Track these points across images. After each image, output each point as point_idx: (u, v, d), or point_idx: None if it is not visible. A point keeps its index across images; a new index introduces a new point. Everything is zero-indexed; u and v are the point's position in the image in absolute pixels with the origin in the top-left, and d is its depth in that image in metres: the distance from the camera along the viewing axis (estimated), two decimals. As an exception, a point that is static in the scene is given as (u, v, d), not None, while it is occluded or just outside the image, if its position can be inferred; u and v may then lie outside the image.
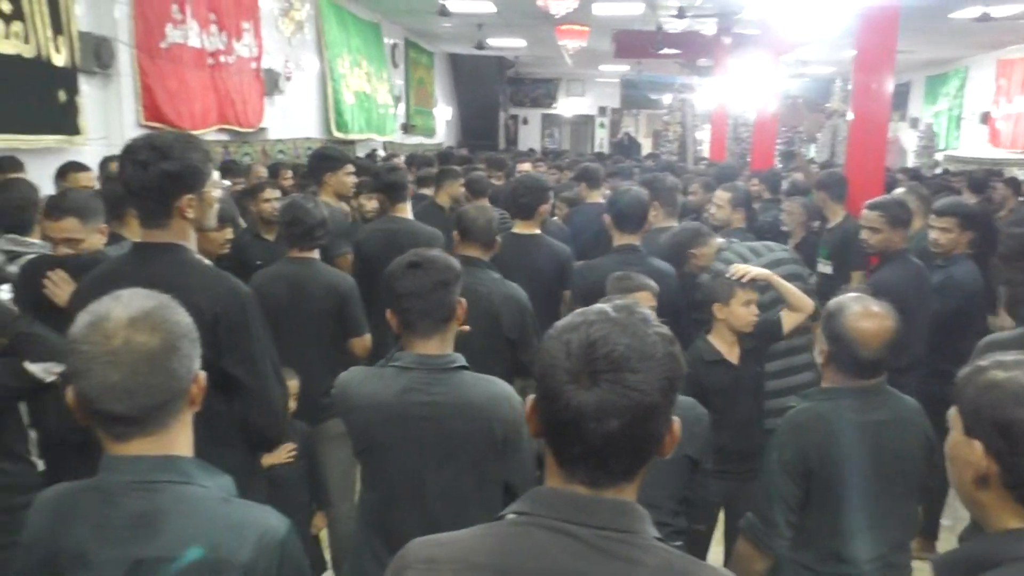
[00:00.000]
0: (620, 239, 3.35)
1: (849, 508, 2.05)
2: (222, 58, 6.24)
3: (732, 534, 2.73)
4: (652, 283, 2.64)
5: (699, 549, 2.70)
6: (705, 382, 2.70)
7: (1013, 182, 7.23)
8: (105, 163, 4.37)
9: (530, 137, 19.39)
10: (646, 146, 18.06)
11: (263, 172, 5.70)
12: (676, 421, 1.03)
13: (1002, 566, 1.13)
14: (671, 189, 3.86)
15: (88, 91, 4.70)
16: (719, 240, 3.44)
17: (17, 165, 3.94)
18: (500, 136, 17.21)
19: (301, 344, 3.10)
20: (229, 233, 3.49)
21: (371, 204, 4.87)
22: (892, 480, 2.06)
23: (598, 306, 1.06)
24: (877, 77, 5.03)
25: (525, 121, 19.71)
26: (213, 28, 6.13)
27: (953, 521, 3.68)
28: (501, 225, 3.40)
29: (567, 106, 19.86)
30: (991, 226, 5.64)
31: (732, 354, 2.80)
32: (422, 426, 1.84)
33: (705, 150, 13.43)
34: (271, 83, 7.24)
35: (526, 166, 6.75)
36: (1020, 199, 6.64)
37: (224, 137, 6.44)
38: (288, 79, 7.80)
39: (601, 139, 19.62)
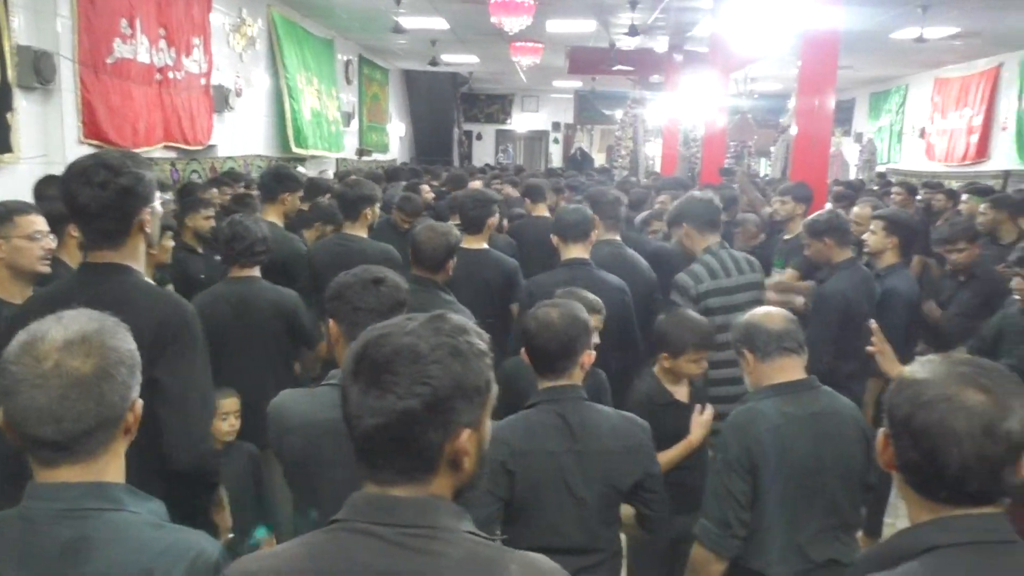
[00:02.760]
0: (568, 253, 3.37)
1: (794, 496, 2.09)
2: (171, 74, 6.15)
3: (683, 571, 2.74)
4: (595, 299, 2.68)
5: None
6: (657, 425, 2.62)
7: (951, 192, 7.51)
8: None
9: (484, 153, 19.43)
10: (599, 161, 18.24)
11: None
12: (467, 433, 1.06)
13: (912, 560, 1.18)
14: (613, 203, 3.91)
15: (26, 107, 4.56)
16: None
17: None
18: (454, 152, 17.22)
19: (249, 364, 3.07)
20: (170, 241, 3.50)
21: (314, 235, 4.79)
22: (833, 469, 2.11)
23: (421, 315, 1.11)
24: (820, 94, 5.16)
25: (479, 137, 19.76)
26: (162, 43, 6.04)
27: (895, 519, 3.79)
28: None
29: (521, 122, 19.97)
30: (928, 233, 5.85)
31: (681, 392, 2.79)
32: None
33: (657, 164, 13.60)
34: (221, 100, 7.15)
35: (477, 183, 6.79)
36: (957, 208, 6.89)
37: (171, 155, 6.34)
38: (239, 95, 7.72)
39: (552, 155, 19.75)
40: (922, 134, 12.47)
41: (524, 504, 2.00)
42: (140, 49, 5.66)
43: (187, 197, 4.60)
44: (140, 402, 1.24)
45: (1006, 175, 9.85)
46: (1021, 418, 1.16)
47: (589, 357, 2.13)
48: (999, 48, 10.14)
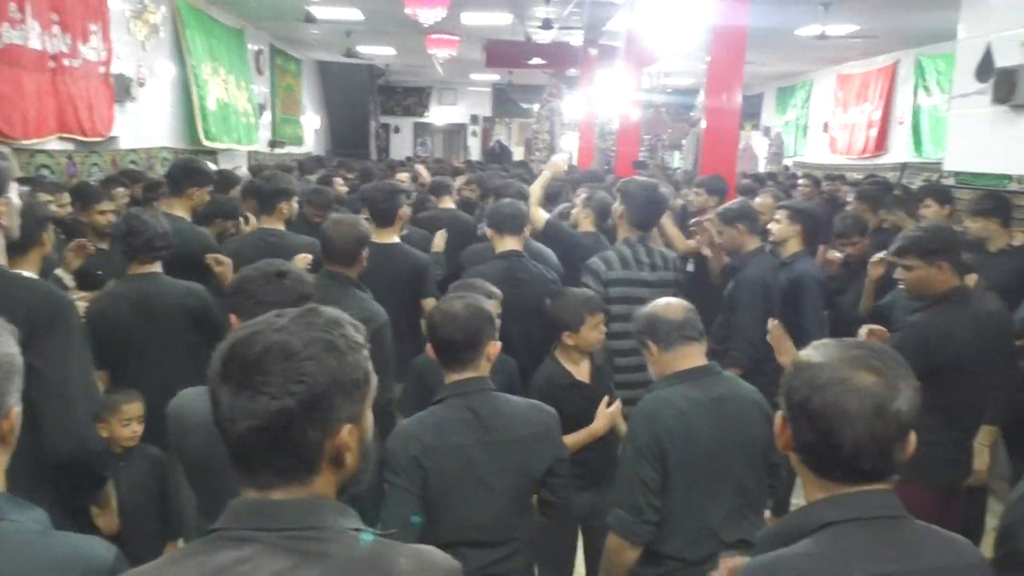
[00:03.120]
0: (502, 245, 3.38)
1: (702, 479, 2.14)
2: (66, 61, 5.84)
3: (594, 548, 2.77)
4: (495, 290, 2.71)
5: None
6: (560, 407, 2.66)
7: (856, 184, 7.87)
8: None
9: (402, 146, 19.26)
10: (518, 154, 18.29)
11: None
12: (347, 428, 1.04)
13: (808, 536, 1.23)
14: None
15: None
16: None
17: None
18: (371, 145, 17.00)
19: (156, 365, 2.96)
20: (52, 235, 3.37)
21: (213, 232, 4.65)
22: (738, 451, 2.18)
23: (293, 309, 1.09)
24: (727, 89, 5.30)
25: (397, 130, 19.56)
26: (56, 29, 5.73)
27: (802, 500, 3.93)
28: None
29: (439, 115, 19.86)
30: (831, 224, 6.09)
31: (582, 372, 2.84)
32: None
33: (575, 157, 13.74)
34: (122, 89, 6.84)
35: (404, 175, 6.75)
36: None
37: (68, 147, 6.04)
38: (142, 85, 7.41)
39: (471, 148, 19.72)
40: (825, 128, 12.96)
41: (437, 499, 1.98)
42: (31, 35, 5.36)
43: (82, 193, 4.40)
44: (17, 410, 1.17)
45: (903, 167, 10.33)
46: (908, 398, 1.22)
47: (495, 348, 2.13)
48: (896, 46, 10.62)
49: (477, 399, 2.06)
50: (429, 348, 2.15)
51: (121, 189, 4.86)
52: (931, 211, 4.51)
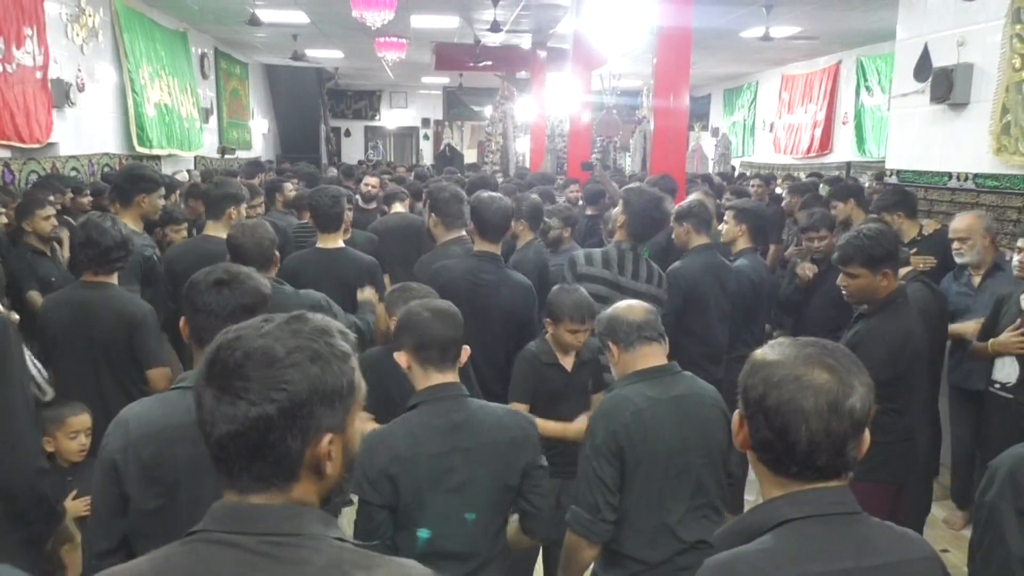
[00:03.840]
0: (480, 246, 3.33)
1: (660, 477, 2.14)
2: (1, 67, 5.67)
3: (554, 544, 2.75)
4: (428, 288, 2.70)
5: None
6: (537, 381, 2.81)
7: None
8: None
9: (354, 149, 19.10)
10: (471, 157, 18.27)
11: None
12: (328, 437, 1.02)
13: (767, 533, 1.24)
14: (449, 200, 3.89)
15: None
16: None
17: None
18: (322, 149, 16.82)
19: (91, 375, 2.87)
20: None
21: (179, 236, 4.58)
22: (696, 449, 2.18)
23: (280, 315, 1.07)
24: (674, 91, 5.35)
25: (348, 133, 19.39)
26: (-11, 34, 5.56)
27: (756, 497, 3.98)
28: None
29: (390, 118, 19.74)
30: (782, 222, 6.23)
31: (566, 360, 2.88)
32: None
33: (527, 160, 13.76)
34: (60, 94, 6.65)
35: (374, 180, 6.67)
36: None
37: (5, 154, 5.84)
38: (81, 90, 7.21)
39: (423, 151, 19.65)
40: (771, 128, 13.22)
41: (410, 510, 1.94)
42: (-37, 40, 5.19)
43: (23, 200, 4.28)
44: None
45: (848, 166, 10.58)
46: (862, 396, 1.23)
47: (465, 352, 2.10)
48: (838, 47, 10.88)
49: (452, 405, 2.02)
50: (402, 356, 2.07)
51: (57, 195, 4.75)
52: (839, 209, 4.78)
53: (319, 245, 3.58)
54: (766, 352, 1.29)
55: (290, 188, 5.84)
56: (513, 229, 4.00)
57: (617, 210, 3.51)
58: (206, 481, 1.67)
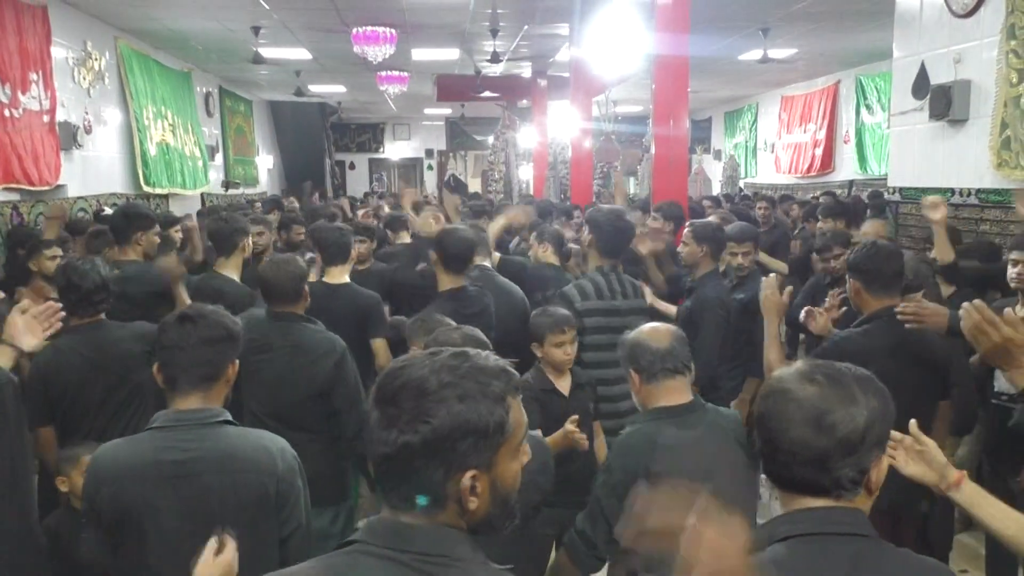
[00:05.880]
0: (444, 283, 3.35)
1: None
2: (7, 112, 5.74)
3: None
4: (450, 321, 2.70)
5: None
6: (539, 411, 2.76)
7: (806, 204, 8.06)
8: None
9: (358, 182, 19.21)
10: (474, 186, 18.35)
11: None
12: (471, 473, 1.06)
13: (783, 542, 1.25)
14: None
15: None
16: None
17: None
18: (327, 182, 16.94)
19: (106, 415, 2.88)
20: None
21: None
22: (721, 487, 2.13)
23: (450, 348, 1.13)
24: (674, 116, 5.38)
25: (352, 166, 19.53)
26: (-4, 81, 5.65)
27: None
28: None
29: (394, 150, 19.89)
30: (786, 242, 6.24)
31: (563, 385, 2.89)
32: (177, 485, 1.70)
33: (531, 187, 13.82)
34: (68, 137, 6.74)
35: (364, 211, 6.77)
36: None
37: (14, 196, 5.91)
38: (88, 132, 7.31)
39: (427, 182, 19.74)
40: (772, 149, 13.26)
41: None
42: (-30, 87, 5.27)
43: (27, 241, 4.31)
44: None
45: (851, 184, 10.59)
46: (850, 416, 1.23)
47: None
48: (836, 66, 10.94)
49: None
50: None
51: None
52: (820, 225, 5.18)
53: (324, 279, 3.60)
54: (779, 372, 1.34)
55: (299, 232, 5.85)
56: (542, 258, 4.08)
57: (585, 234, 3.57)
58: (169, 523, 1.70)
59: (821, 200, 7.84)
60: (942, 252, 3.80)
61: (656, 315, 3.59)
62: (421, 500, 1.06)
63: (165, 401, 2.80)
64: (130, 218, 3.92)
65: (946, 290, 3.79)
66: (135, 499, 1.69)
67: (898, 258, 2.91)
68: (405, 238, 5.35)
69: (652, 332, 2.27)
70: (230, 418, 1.81)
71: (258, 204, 9.16)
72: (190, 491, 1.70)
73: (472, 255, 3.46)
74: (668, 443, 2.13)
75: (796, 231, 6.70)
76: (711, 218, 5.00)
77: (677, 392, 2.22)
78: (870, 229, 4.64)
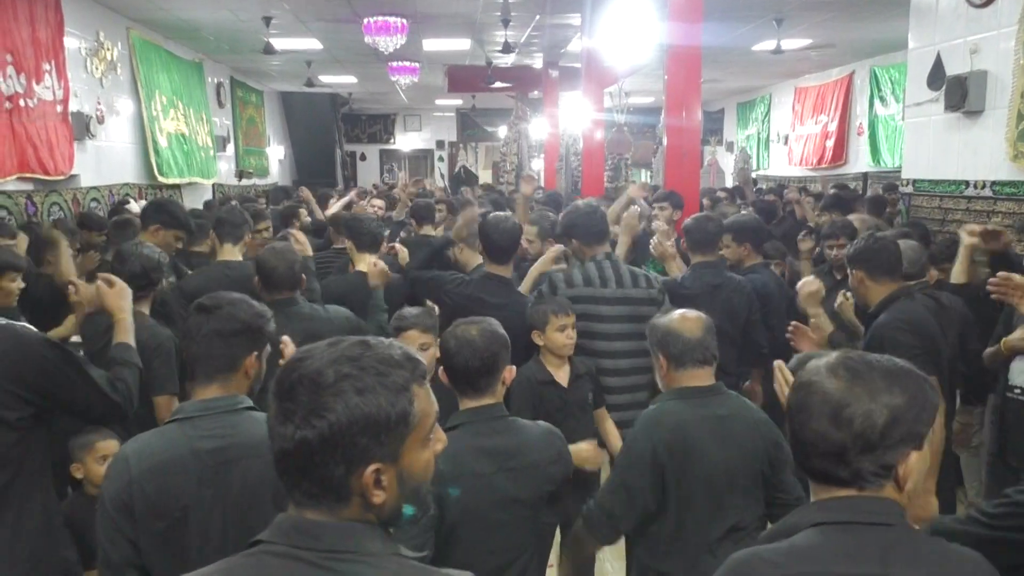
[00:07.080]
0: (490, 268, 3.38)
1: (702, 496, 2.14)
2: (22, 102, 5.77)
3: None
4: (425, 320, 2.71)
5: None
6: (538, 403, 2.81)
7: (818, 195, 7.99)
8: None
9: (369, 173, 19.22)
10: (486, 177, 18.34)
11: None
12: (374, 467, 1.03)
13: (801, 531, 1.26)
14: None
15: None
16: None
17: None
18: (338, 173, 16.96)
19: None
20: (14, 283, 3.35)
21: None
22: (739, 471, 2.17)
23: (352, 338, 1.10)
24: (686, 107, 5.35)
25: (363, 157, 19.53)
26: (10, 70, 5.66)
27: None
28: None
29: (405, 141, 19.87)
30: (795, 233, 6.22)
31: (561, 376, 2.89)
32: (220, 472, 1.69)
33: (543, 178, 13.80)
34: (81, 127, 6.77)
35: (378, 202, 6.74)
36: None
37: (27, 187, 5.95)
38: (101, 122, 7.34)
39: (441, 172, 19.74)
40: (785, 140, 13.17)
41: (455, 527, 1.95)
42: (-14, 77, 5.29)
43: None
44: None
45: (865, 177, 10.51)
46: (867, 410, 1.21)
47: (510, 372, 2.10)
48: (850, 57, 10.84)
49: (497, 425, 2.03)
50: (442, 372, 2.10)
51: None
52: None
53: (359, 268, 3.64)
54: (813, 363, 1.34)
55: (305, 214, 5.88)
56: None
57: (571, 245, 3.50)
58: (213, 513, 1.69)
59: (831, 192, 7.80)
60: (959, 274, 3.79)
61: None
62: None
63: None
64: (157, 207, 3.98)
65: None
66: (180, 493, 1.67)
67: (895, 244, 3.02)
68: (429, 230, 5.21)
69: (685, 321, 2.28)
70: (251, 404, 1.80)
71: (262, 200, 9.18)
72: (232, 477, 1.69)
73: (517, 244, 3.49)
74: (689, 419, 2.16)
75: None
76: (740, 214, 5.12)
77: (700, 378, 2.26)
78: (855, 220, 4.76)
